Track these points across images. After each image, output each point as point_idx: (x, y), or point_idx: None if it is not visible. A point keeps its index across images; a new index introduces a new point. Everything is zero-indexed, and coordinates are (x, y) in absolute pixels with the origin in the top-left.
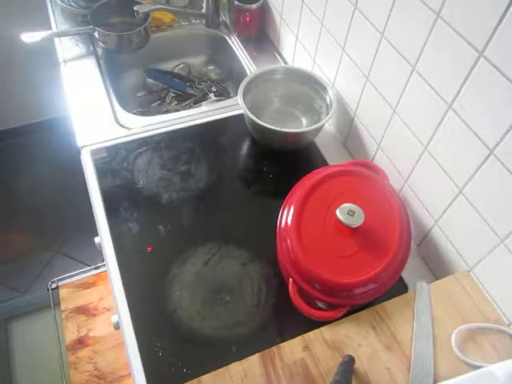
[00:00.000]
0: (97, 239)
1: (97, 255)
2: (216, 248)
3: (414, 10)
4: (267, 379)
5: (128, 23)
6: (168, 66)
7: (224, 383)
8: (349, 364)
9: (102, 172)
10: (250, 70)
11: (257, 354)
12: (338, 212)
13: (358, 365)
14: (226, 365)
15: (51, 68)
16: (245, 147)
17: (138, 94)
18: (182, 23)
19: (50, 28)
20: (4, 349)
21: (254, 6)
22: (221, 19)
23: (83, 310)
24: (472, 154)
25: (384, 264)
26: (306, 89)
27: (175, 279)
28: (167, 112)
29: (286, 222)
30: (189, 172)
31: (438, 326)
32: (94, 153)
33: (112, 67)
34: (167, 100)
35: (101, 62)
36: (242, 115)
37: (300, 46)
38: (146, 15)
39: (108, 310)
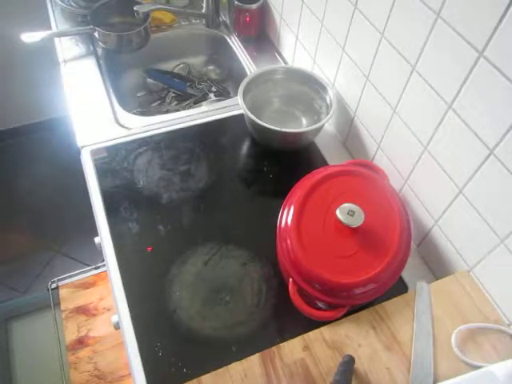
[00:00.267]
0: (97, 239)
1: (97, 255)
2: (216, 248)
3: (414, 10)
4: (267, 379)
5: (128, 23)
6: (168, 65)
7: (224, 383)
8: (349, 364)
9: (102, 172)
10: (250, 69)
11: (257, 354)
12: (337, 212)
13: (358, 365)
14: (225, 365)
15: (51, 68)
16: (245, 147)
17: (138, 94)
18: (182, 23)
19: (50, 28)
20: (4, 349)
21: (253, 6)
22: (221, 19)
23: (83, 310)
24: (472, 154)
25: (384, 264)
26: (306, 89)
27: (175, 279)
28: (167, 112)
29: (286, 222)
30: (189, 172)
31: (438, 326)
32: (93, 153)
33: (112, 67)
34: (167, 100)
35: (101, 62)
36: (241, 115)
37: (300, 46)
38: (146, 15)
39: (108, 309)
